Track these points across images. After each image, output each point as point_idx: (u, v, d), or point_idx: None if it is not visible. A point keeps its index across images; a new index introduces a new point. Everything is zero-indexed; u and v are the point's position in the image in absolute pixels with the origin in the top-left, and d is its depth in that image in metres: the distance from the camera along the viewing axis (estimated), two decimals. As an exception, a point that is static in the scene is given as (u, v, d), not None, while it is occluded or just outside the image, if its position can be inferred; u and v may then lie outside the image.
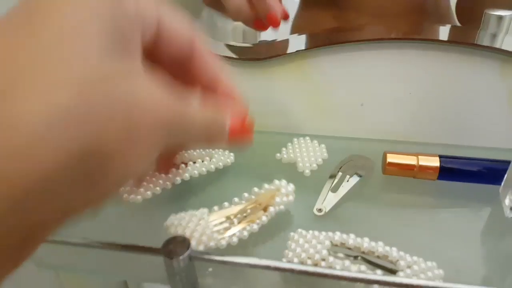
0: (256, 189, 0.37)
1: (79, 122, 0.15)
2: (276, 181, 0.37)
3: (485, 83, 0.45)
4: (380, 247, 0.31)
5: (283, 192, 0.37)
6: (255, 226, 0.35)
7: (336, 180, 0.41)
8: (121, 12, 0.18)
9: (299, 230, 0.33)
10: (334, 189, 0.40)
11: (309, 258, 0.30)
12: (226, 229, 0.34)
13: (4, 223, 0.14)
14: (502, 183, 0.38)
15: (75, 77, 0.15)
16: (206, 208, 0.35)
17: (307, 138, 0.48)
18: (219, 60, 0.24)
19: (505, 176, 0.37)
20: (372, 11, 0.45)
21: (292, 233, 0.33)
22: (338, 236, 0.32)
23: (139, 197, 0.39)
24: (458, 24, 0.44)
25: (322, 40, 0.46)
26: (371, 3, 0.45)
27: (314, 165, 0.44)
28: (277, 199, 0.36)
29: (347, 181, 0.41)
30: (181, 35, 0.21)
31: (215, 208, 0.36)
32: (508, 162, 0.37)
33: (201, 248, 0.32)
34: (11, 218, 0.14)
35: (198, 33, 0.22)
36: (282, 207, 0.36)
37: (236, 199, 0.37)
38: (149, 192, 0.39)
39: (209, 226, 0.33)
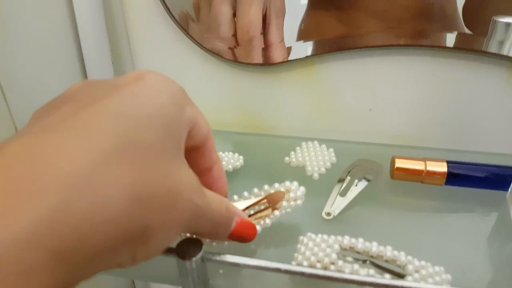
0: (266, 187, 0.37)
1: (142, 208, 0.19)
2: (287, 183, 0.38)
3: (492, 89, 0.45)
4: (388, 252, 0.32)
5: (291, 196, 0.37)
6: (268, 221, 0.35)
7: (344, 184, 0.42)
8: (182, 118, 0.23)
9: (309, 233, 0.34)
10: (343, 193, 0.41)
11: (318, 261, 0.31)
12: None
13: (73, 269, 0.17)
14: (509, 189, 0.38)
15: (139, 168, 0.19)
16: None
17: (316, 142, 0.48)
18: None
19: (512, 182, 0.38)
20: (378, 15, 0.45)
21: (301, 237, 0.34)
22: (347, 240, 0.33)
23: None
24: (465, 31, 0.44)
25: (330, 46, 0.47)
26: (377, 6, 0.45)
27: (323, 169, 0.44)
28: (284, 203, 0.36)
29: (356, 185, 0.41)
30: (203, 130, 0.26)
31: None
32: (515, 169, 0.38)
33: (214, 244, 0.32)
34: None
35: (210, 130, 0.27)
36: (289, 210, 0.36)
37: (246, 193, 0.37)
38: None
39: None
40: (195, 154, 0.28)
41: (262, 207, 0.36)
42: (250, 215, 0.35)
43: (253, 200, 0.36)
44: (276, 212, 0.36)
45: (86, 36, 0.50)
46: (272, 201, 0.36)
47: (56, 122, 0.19)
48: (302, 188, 0.37)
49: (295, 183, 0.37)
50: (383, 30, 0.45)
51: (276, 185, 0.38)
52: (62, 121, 0.19)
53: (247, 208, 0.36)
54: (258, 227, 0.34)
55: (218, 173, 0.29)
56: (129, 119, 0.19)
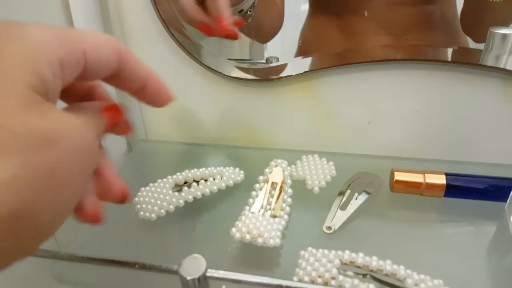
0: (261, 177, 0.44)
1: None
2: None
3: (489, 102, 0.45)
4: (388, 266, 0.32)
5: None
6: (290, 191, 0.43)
7: (344, 198, 0.42)
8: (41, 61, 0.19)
9: (310, 248, 0.34)
10: (343, 207, 0.41)
11: (319, 276, 0.31)
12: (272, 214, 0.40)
13: None
14: (508, 200, 0.39)
15: None
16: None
17: (316, 155, 0.49)
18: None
19: (511, 193, 0.38)
20: (379, 22, 0.46)
21: (302, 252, 0.34)
22: (347, 255, 0.33)
23: (153, 215, 0.40)
24: (462, 44, 0.45)
25: (329, 62, 0.47)
26: (378, 13, 0.46)
27: (323, 182, 0.45)
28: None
29: (356, 198, 0.42)
30: (109, 57, 0.24)
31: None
32: (513, 180, 0.38)
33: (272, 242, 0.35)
34: None
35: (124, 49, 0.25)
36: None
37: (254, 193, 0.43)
38: (162, 210, 0.41)
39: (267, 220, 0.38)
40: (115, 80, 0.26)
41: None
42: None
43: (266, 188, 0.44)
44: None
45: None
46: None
47: None
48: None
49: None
50: (384, 38, 0.46)
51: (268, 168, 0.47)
52: None
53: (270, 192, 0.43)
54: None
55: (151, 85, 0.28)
56: None
